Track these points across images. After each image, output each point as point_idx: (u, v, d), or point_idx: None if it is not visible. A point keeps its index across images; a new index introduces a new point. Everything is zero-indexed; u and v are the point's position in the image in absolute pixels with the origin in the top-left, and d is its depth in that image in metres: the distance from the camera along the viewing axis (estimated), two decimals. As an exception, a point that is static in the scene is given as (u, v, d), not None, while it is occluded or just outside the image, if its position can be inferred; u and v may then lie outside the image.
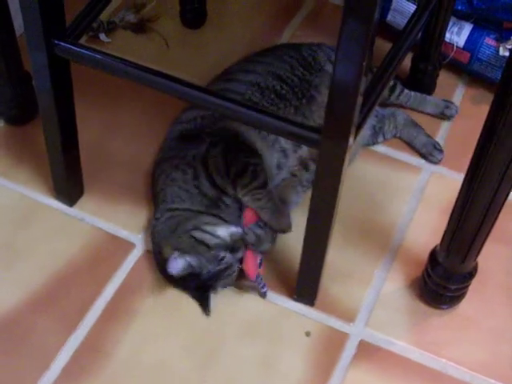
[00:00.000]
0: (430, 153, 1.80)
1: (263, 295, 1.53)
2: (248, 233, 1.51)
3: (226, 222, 1.51)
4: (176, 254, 1.46)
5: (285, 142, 1.59)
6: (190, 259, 1.46)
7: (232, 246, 1.49)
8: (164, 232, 1.53)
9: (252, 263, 1.50)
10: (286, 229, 1.55)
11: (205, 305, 1.52)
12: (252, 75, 1.67)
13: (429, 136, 1.82)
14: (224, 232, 1.49)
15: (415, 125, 1.83)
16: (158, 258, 1.54)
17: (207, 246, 1.47)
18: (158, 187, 1.60)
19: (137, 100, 1.87)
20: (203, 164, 1.53)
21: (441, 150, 1.80)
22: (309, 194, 1.38)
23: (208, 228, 1.49)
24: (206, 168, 1.52)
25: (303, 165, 1.62)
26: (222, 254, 1.48)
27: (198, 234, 1.48)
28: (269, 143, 1.58)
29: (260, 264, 1.52)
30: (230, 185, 1.51)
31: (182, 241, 1.49)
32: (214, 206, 1.52)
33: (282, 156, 1.60)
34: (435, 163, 1.80)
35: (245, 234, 1.50)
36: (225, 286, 1.53)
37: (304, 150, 1.61)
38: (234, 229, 1.49)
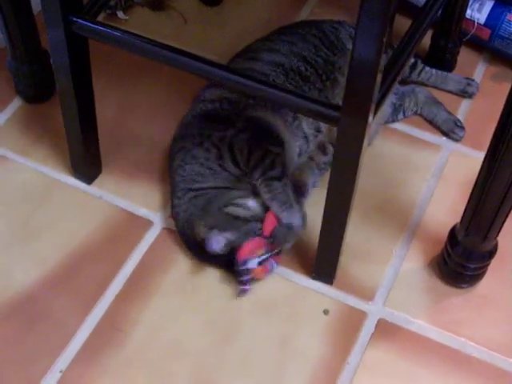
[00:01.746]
0: (451, 130, 1.78)
1: (241, 290, 1.50)
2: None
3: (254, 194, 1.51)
4: (215, 231, 1.46)
5: (307, 127, 1.58)
6: (228, 235, 1.46)
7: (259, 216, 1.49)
8: (192, 211, 1.52)
9: (271, 222, 1.48)
10: (297, 226, 1.49)
11: (243, 287, 1.51)
12: (276, 55, 1.64)
13: (450, 113, 1.80)
14: (254, 203, 1.49)
15: (436, 102, 1.81)
16: (187, 238, 1.54)
17: (243, 219, 1.48)
18: (175, 162, 1.59)
19: (155, 78, 1.87)
20: (229, 147, 1.52)
21: (462, 127, 1.78)
22: (327, 174, 1.38)
23: (240, 201, 1.49)
24: (231, 151, 1.51)
25: (321, 148, 1.61)
26: (259, 225, 1.48)
27: (231, 210, 1.48)
28: (293, 131, 1.57)
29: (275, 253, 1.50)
30: (249, 171, 1.50)
31: (216, 218, 1.48)
32: (239, 182, 1.52)
33: (303, 142, 1.59)
34: (456, 140, 1.79)
35: None
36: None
37: (323, 135, 1.60)
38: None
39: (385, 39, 1.09)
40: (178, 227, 1.56)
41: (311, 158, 1.61)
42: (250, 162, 1.50)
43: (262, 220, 1.48)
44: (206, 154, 1.53)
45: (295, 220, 1.49)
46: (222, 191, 1.52)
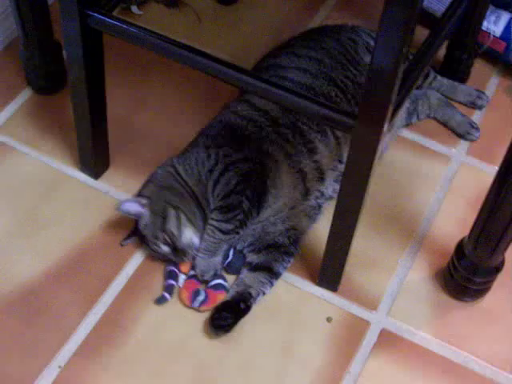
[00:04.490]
0: (467, 131, 1.78)
1: (159, 297, 1.50)
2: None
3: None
4: (144, 201, 1.49)
5: (327, 163, 1.56)
6: (146, 214, 1.48)
7: (177, 248, 1.48)
8: (158, 179, 1.54)
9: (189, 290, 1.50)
10: (200, 274, 1.50)
11: (127, 236, 1.55)
12: (306, 77, 1.61)
13: (464, 115, 1.80)
14: (188, 234, 1.49)
15: (449, 104, 1.81)
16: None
17: (163, 222, 1.47)
18: (186, 147, 1.61)
19: (167, 75, 1.86)
20: (223, 169, 1.50)
21: (477, 128, 1.79)
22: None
23: (183, 218, 1.49)
24: (221, 175, 1.50)
25: (339, 181, 1.58)
26: (161, 243, 1.48)
27: (170, 212, 1.48)
28: (294, 178, 1.54)
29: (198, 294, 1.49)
30: (214, 206, 1.49)
31: (158, 201, 1.50)
32: (207, 202, 1.51)
33: (318, 183, 1.56)
34: (473, 141, 1.79)
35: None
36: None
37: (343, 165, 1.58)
38: (197, 242, 1.49)
39: (405, 49, 1.08)
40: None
41: (322, 194, 1.59)
42: (220, 201, 1.48)
43: (172, 244, 1.48)
44: (206, 159, 1.52)
45: (203, 267, 1.50)
46: (189, 197, 1.51)
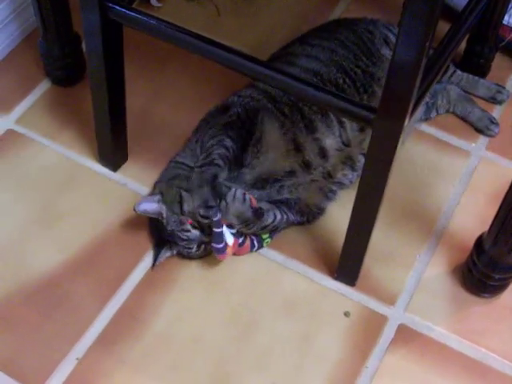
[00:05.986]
0: (486, 127, 1.77)
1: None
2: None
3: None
4: (157, 197, 1.48)
5: (330, 144, 1.55)
6: (163, 209, 1.48)
7: (203, 227, 1.48)
8: (163, 177, 1.56)
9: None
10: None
11: (155, 257, 1.52)
12: (315, 63, 1.62)
13: (483, 110, 1.79)
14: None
15: (469, 99, 1.80)
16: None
17: (181, 208, 1.47)
18: None
19: (183, 66, 1.86)
20: (209, 128, 1.54)
21: (497, 124, 1.78)
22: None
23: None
24: (206, 132, 1.53)
25: (349, 163, 1.59)
26: (188, 226, 1.47)
27: (184, 195, 1.48)
28: (285, 141, 1.54)
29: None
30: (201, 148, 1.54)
31: (170, 191, 1.50)
32: None
33: (319, 158, 1.55)
34: (492, 137, 1.78)
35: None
36: (187, 255, 1.53)
37: (353, 148, 1.58)
38: (213, 215, 1.46)
39: (428, 43, 1.07)
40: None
41: (330, 175, 1.58)
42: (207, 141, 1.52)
43: (197, 225, 1.47)
44: (193, 136, 1.58)
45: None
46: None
